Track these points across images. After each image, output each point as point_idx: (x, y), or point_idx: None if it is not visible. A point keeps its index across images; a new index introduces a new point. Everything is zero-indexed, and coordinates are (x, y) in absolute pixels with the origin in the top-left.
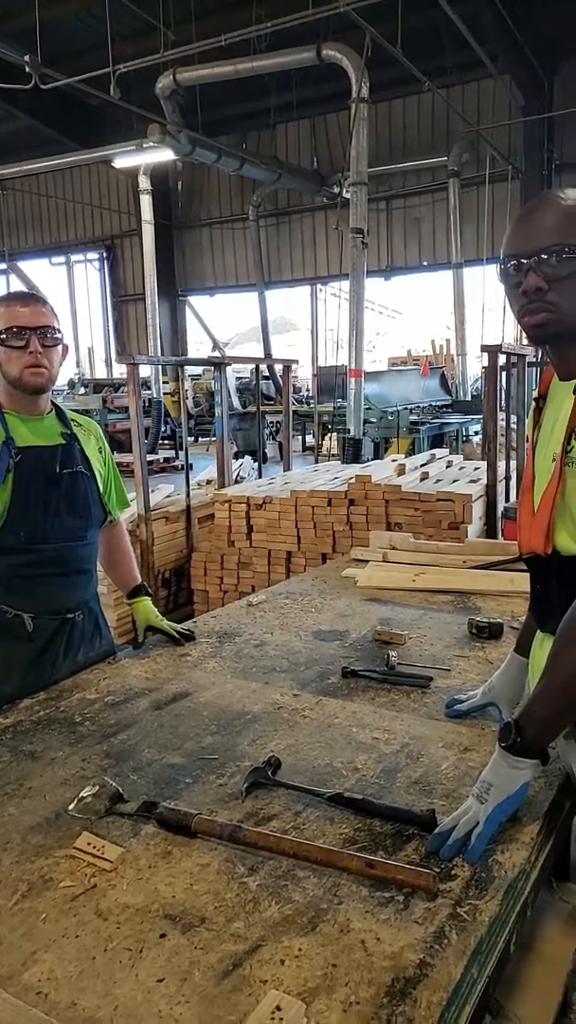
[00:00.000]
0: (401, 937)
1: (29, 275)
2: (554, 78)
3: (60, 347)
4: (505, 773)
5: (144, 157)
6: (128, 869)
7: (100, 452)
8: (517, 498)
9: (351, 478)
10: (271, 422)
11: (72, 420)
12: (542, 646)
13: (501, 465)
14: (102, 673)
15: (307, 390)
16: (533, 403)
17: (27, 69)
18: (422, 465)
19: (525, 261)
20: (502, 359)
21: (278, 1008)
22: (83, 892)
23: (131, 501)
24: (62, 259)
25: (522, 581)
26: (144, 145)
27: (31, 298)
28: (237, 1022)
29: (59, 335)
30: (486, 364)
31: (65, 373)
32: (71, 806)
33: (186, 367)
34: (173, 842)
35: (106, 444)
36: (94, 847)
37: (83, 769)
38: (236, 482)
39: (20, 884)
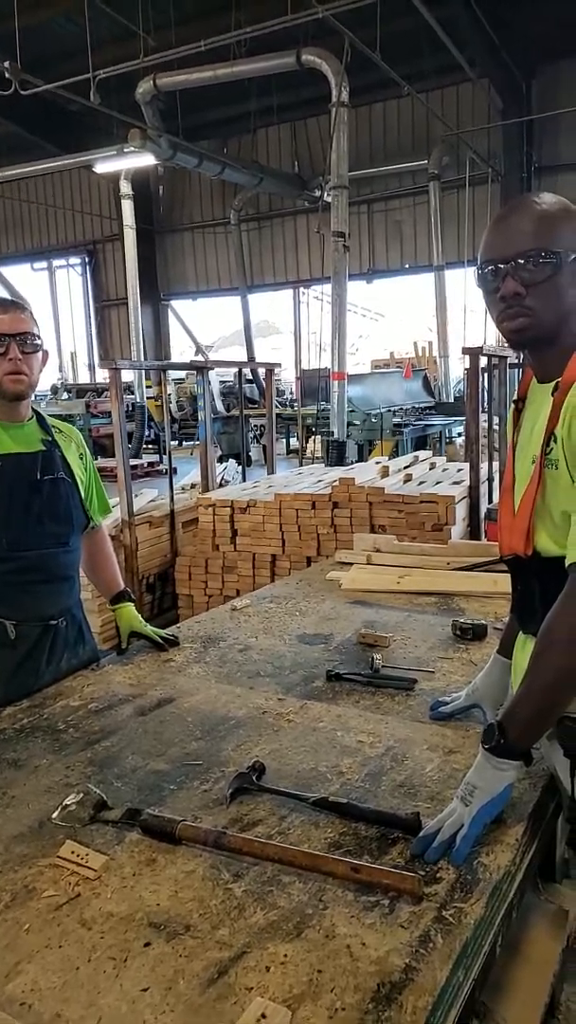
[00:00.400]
0: (387, 942)
1: (11, 281)
2: (532, 81)
3: (40, 353)
4: (489, 775)
5: (125, 162)
6: (112, 877)
7: (81, 458)
8: (499, 500)
9: (335, 481)
10: (255, 425)
11: (53, 427)
12: (524, 648)
13: (484, 466)
14: (86, 680)
15: (291, 393)
16: (513, 405)
17: (7, 75)
18: (405, 467)
19: (503, 266)
20: (484, 361)
21: (263, 1016)
22: (67, 901)
23: (113, 507)
24: (44, 264)
25: (505, 582)
26: (125, 150)
27: (10, 304)
28: None
29: (39, 341)
30: (468, 366)
31: (48, 378)
32: (55, 814)
33: (169, 371)
34: (158, 849)
35: (87, 450)
36: (78, 855)
37: (67, 777)
38: (220, 486)
39: (3, 894)
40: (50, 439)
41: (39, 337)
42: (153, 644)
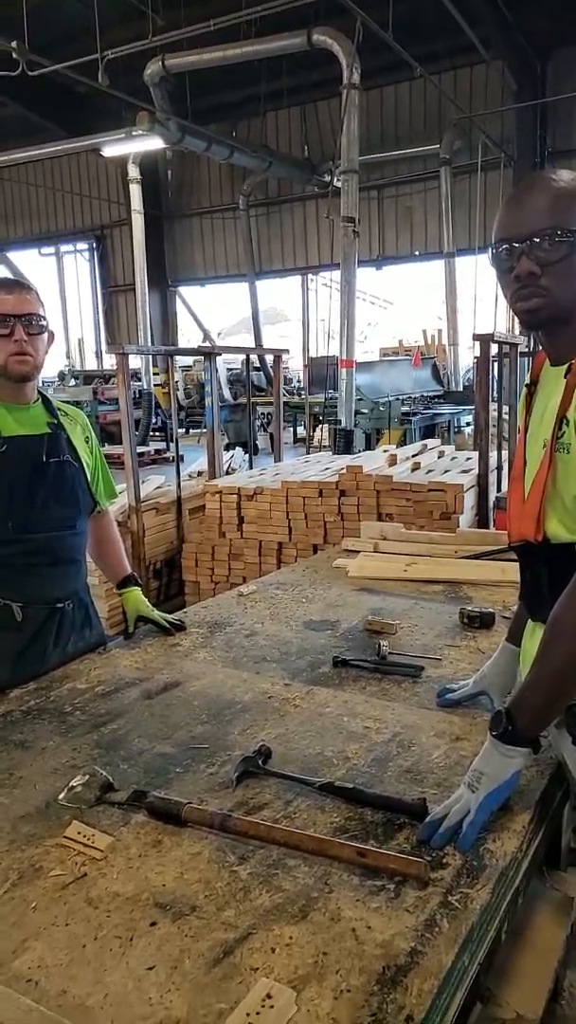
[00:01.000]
0: (392, 925)
1: (18, 266)
2: (547, 63)
3: (46, 335)
4: (496, 762)
5: (133, 145)
6: (118, 858)
7: (87, 441)
8: (508, 486)
9: (342, 469)
10: (262, 413)
11: (59, 409)
12: (533, 635)
13: (493, 455)
14: (93, 663)
15: (298, 381)
16: (524, 389)
17: (14, 55)
18: (413, 456)
19: (517, 245)
20: (494, 348)
21: (268, 996)
22: (73, 881)
23: (120, 493)
24: (51, 249)
25: (513, 571)
26: (133, 133)
27: (16, 285)
28: (228, 1010)
29: (44, 322)
30: (478, 353)
31: (55, 365)
32: (61, 795)
33: (177, 358)
34: (163, 831)
35: (93, 434)
36: (84, 836)
37: (73, 759)
38: (227, 473)
39: (10, 873)
40: (56, 422)
41: (45, 318)
42: (160, 628)
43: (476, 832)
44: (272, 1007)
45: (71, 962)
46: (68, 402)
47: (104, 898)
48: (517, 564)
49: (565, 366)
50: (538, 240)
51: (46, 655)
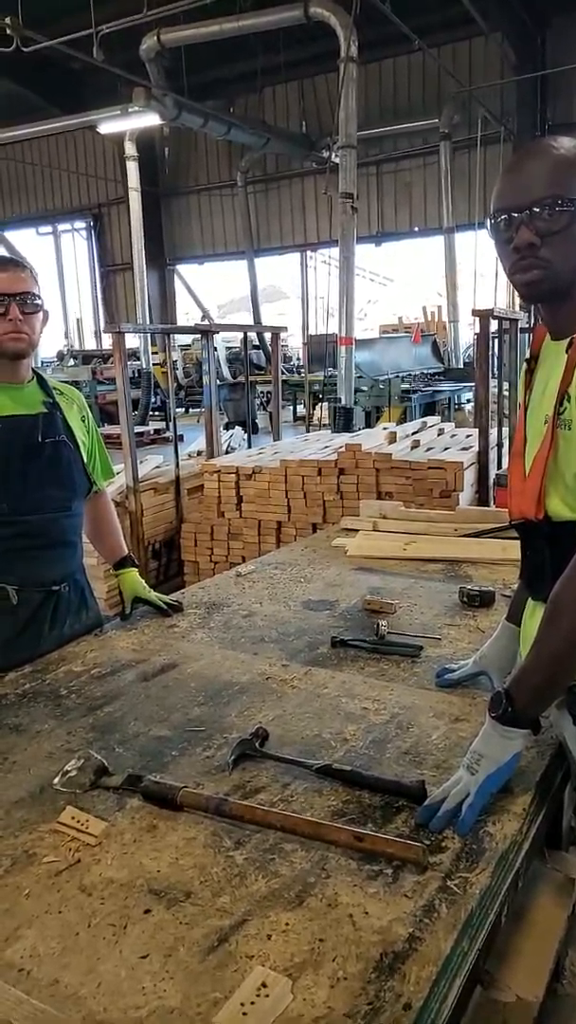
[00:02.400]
0: (390, 911)
1: (15, 245)
2: (547, 34)
3: (41, 313)
4: (496, 743)
5: (129, 122)
6: (113, 843)
7: (83, 421)
8: (508, 463)
9: (341, 447)
10: (261, 392)
11: (54, 388)
12: (533, 615)
13: (493, 432)
14: (89, 645)
15: (297, 359)
16: (525, 364)
17: (8, 31)
18: (413, 433)
19: (516, 215)
20: (494, 325)
21: (264, 985)
22: (67, 867)
23: (118, 474)
24: (49, 228)
25: (514, 549)
26: (129, 110)
27: (10, 263)
28: (222, 998)
29: (39, 301)
30: (478, 330)
31: (54, 344)
32: (56, 780)
33: (175, 337)
34: (159, 816)
35: (89, 413)
36: (78, 821)
37: (68, 742)
38: (226, 453)
39: (3, 859)
40: (51, 401)
41: (40, 297)
42: (157, 610)
43: (475, 815)
44: (267, 996)
45: (64, 951)
46: (66, 382)
47: (98, 885)
48: (518, 542)
49: (566, 340)
50: (538, 210)
51: (41, 638)
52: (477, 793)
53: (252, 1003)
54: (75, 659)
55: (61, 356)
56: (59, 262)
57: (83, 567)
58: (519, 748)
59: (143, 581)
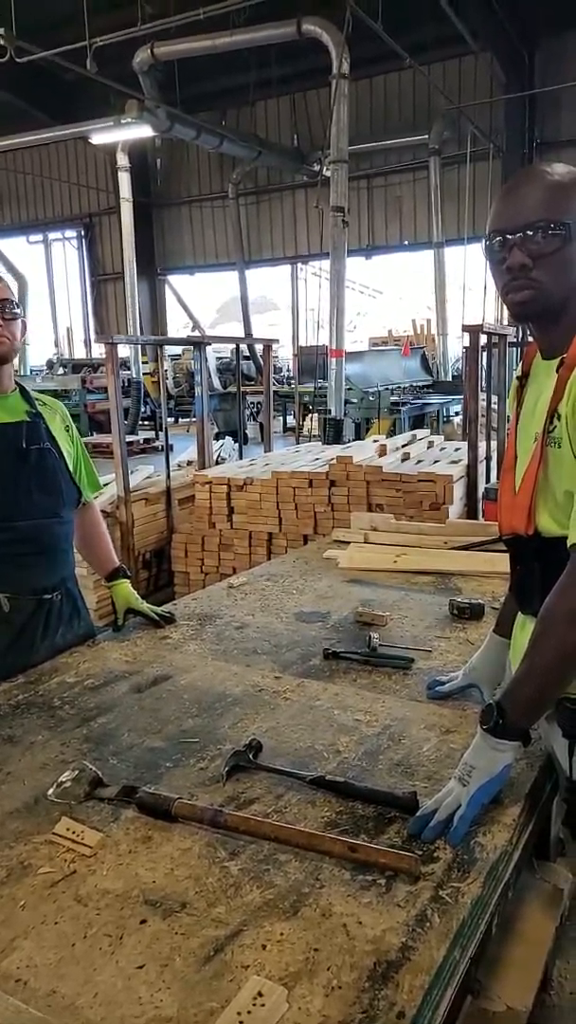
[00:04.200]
0: (383, 921)
1: (6, 253)
2: (535, 55)
3: (19, 321)
4: (487, 755)
5: (122, 133)
6: (108, 854)
7: (67, 431)
8: (498, 478)
9: (332, 459)
10: (252, 402)
11: (37, 399)
12: (524, 628)
13: (482, 446)
14: (82, 656)
15: (288, 370)
16: (515, 381)
17: (1, 42)
18: (403, 446)
19: (510, 237)
20: (483, 339)
21: (260, 994)
22: (62, 878)
23: (109, 484)
24: (40, 237)
25: (502, 562)
26: (122, 121)
27: None
28: (219, 1008)
29: (17, 310)
30: (467, 344)
31: (43, 353)
32: (50, 791)
33: (166, 347)
34: (153, 827)
35: (73, 424)
36: (73, 832)
37: (62, 753)
38: (217, 463)
39: None
40: (34, 411)
41: (17, 305)
42: (149, 621)
43: (467, 826)
44: (263, 1005)
45: (60, 961)
46: (56, 391)
47: (94, 896)
48: (506, 555)
49: (557, 360)
50: (531, 232)
51: (34, 647)
52: (468, 804)
53: (248, 1012)
54: (68, 670)
55: (51, 365)
56: (49, 271)
57: (75, 576)
58: (510, 760)
59: (135, 592)
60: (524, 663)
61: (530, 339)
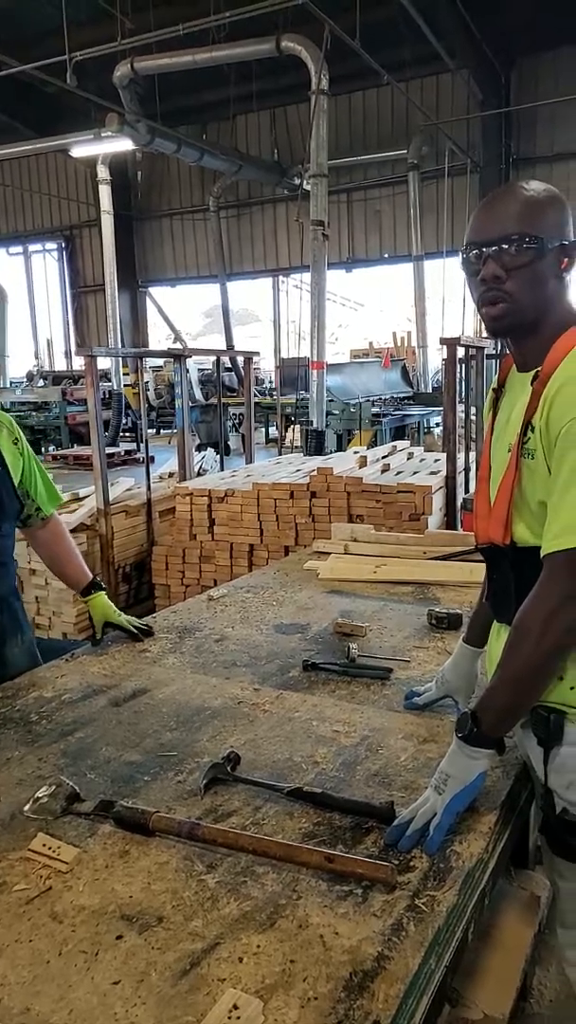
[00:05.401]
0: (359, 931)
1: None
2: (511, 73)
3: None
4: (462, 763)
5: (102, 147)
6: (84, 870)
7: (15, 443)
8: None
9: (313, 470)
10: (233, 414)
11: None
12: (499, 637)
13: (461, 457)
14: (59, 670)
15: (270, 382)
16: (491, 393)
17: None
18: (384, 457)
19: (486, 249)
20: (461, 352)
21: (235, 1007)
22: (38, 895)
23: (89, 496)
24: (19, 249)
25: (481, 571)
26: (102, 134)
27: None
28: (195, 1022)
29: None
30: (446, 357)
31: (24, 365)
32: (26, 807)
33: (147, 359)
34: (131, 841)
35: (22, 436)
36: (49, 848)
37: (39, 769)
38: (198, 475)
39: None
40: None
41: None
42: (127, 634)
43: (443, 834)
44: (239, 1018)
45: (35, 979)
46: (36, 403)
47: (69, 912)
48: (484, 565)
49: (532, 373)
50: (506, 246)
51: None
52: (444, 812)
53: None
54: (46, 684)
55: (31, 377)
56: (29, 282)
57: (16, 590)
58: (485, 767)
59: (113, 605)
60: (498, 672)
61: (507, 352)
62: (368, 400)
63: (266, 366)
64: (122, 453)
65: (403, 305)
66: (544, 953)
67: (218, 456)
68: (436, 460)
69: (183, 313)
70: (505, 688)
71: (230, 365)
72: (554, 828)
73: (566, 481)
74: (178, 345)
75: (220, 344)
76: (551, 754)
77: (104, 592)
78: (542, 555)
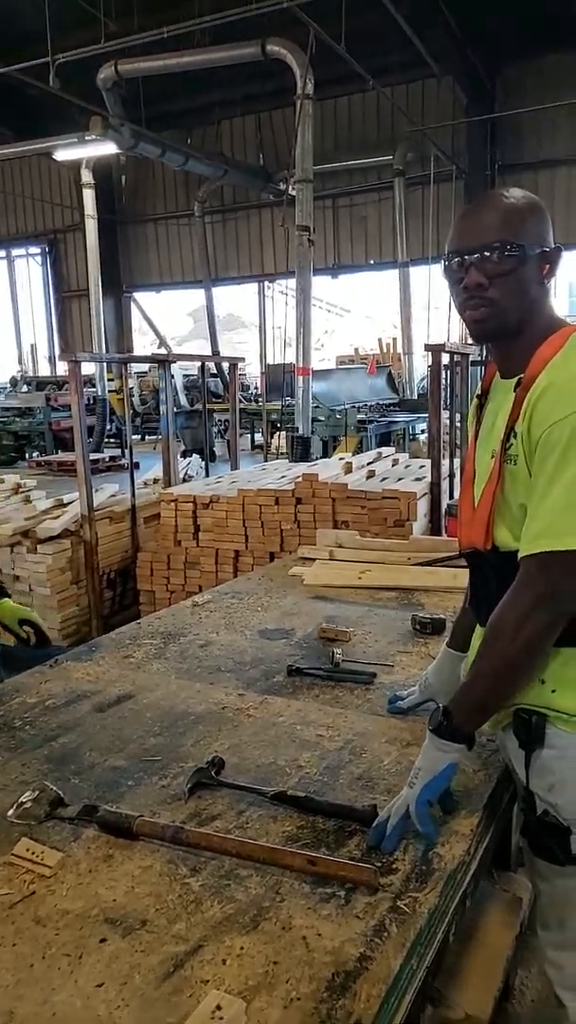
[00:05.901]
0: (342, 932)
1: None
2: (496, 80)
3: None
4: (431, 756)
5: (86, 150)
6: (68, 874)
7: None
8: (459, 493)
9: (298, 477)
10: (219, 420)
11: None
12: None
13: (445, 463)
14: (43, 676)
15: (255, 388)
16: (475, 399)
17: None
18: (369, 463)
19: (468, 257)
20: (446, 358)
21: (218, 1007)
22: (21, 899)
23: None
24: (3, 253)
25: (465, 577)
26: (86, 138)
27: None
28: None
29: None
30: (431, 363)
31: (7, 370)
32: (10, 812)
33: (132, 364)
34: (115, 845)
35: None
36: (33, 853)
37: (23, 774)
38: (183, 481)
39: None
40: None
41: None
42: (38, 633)
43: (427, 825)
44: (222, 1019)
45: (18, 983)
46: (20, 408)
47: (53, 916)
48: (468, 570)
49: (515, 379)
50: (488, 253)
51: None
52: (416, 802)
53: None
54: (29, 690)
55: (14, 382)
56: (12, 287)
57: None
58: (453, 759)
59: (20, 605)
60: (472, 669)
61: (491, 358)
62: (354, 406)
63: (252, 372)
64: (107, 459)
65: (389, 311)
66: (526, 954)
67: (203, 462)
68: (421, 466)
69: (169, 317)
70: (477, 685)
71: (216, 371)
72: (535, 830)
73: (544, 485)
74: (163, 350)
75: (206, 349)
76: (532, 757)
77: (8, 598)
78: (519, 557)
